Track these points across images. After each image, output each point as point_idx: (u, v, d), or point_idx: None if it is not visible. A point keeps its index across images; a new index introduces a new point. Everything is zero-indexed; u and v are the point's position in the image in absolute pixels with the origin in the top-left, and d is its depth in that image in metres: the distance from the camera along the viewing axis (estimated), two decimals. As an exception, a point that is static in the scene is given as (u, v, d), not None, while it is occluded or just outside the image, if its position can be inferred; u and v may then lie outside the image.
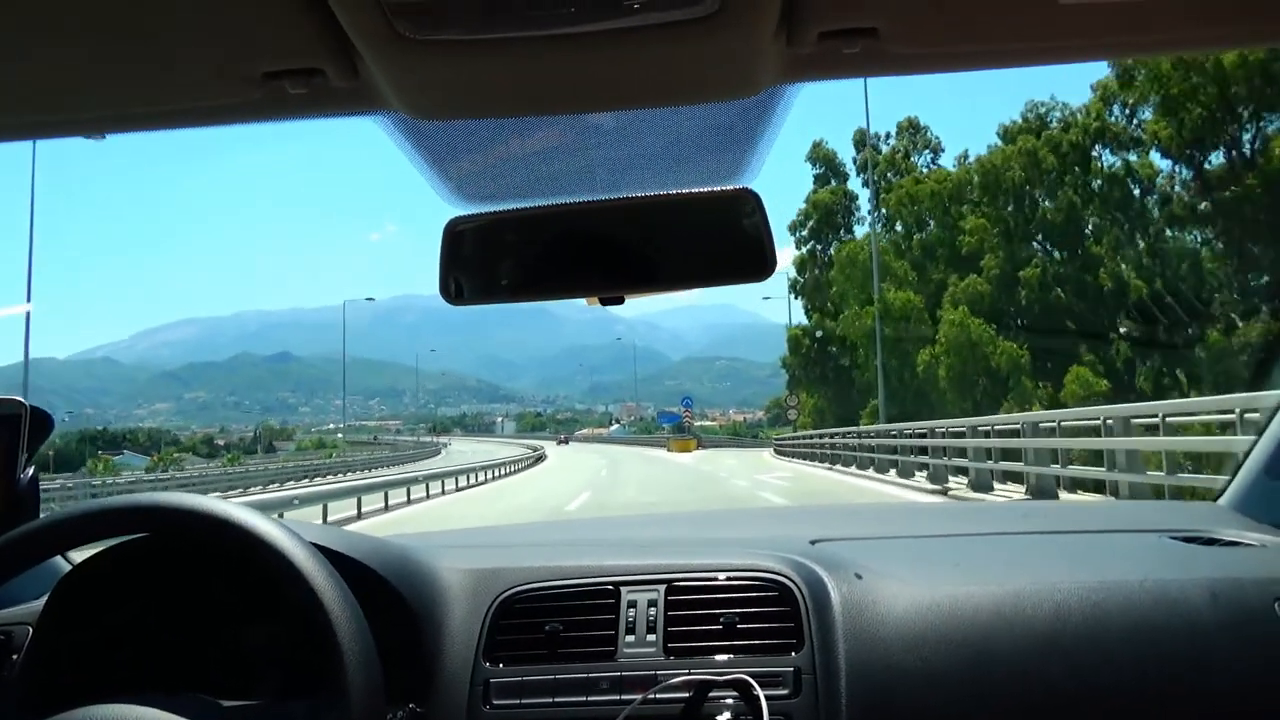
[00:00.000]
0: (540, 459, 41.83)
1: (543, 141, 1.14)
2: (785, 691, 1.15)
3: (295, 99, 0.83)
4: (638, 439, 66.38)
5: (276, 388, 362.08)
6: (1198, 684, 1.16)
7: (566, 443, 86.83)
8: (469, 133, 1.06)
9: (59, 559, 1.37)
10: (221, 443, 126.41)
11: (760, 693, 1.11)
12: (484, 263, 1.26)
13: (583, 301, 1.29)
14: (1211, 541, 1.46)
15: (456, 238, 1.22)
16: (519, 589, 1.27)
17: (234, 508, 0.99)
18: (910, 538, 1.70)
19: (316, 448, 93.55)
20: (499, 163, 1.17)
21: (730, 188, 1.20)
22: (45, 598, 1.20)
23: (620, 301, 1.24)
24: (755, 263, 1.20)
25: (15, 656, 1.20)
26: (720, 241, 1.23)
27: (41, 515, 1.13)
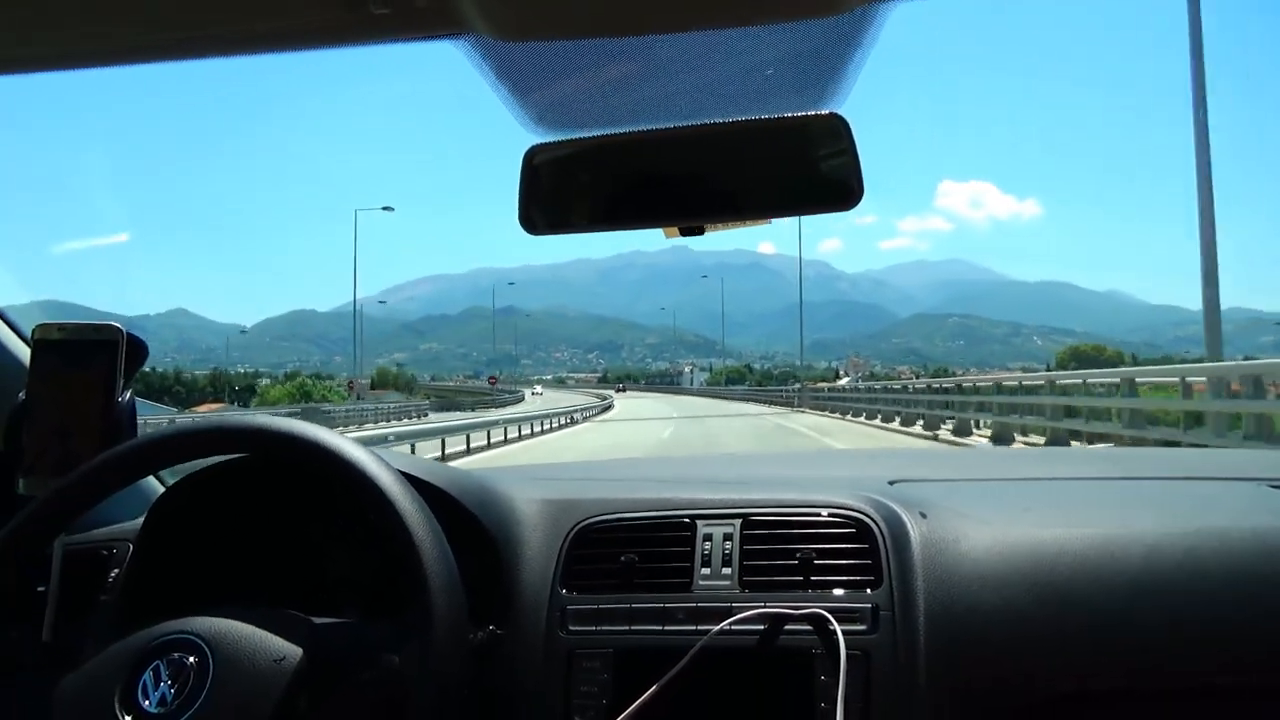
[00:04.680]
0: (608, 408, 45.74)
1: (624, 68, 1.11)
2: (863, 627, 1.13)
3: (378, 20, 0.83)
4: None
5: (502, 339, 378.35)
6: None
7: (624, 390, 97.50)
8: (550, 58, 1.04)
9: (154, 481, 1.49)
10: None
11: (837, 627, 1.10)
12: (564, 192, 1.25)
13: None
14: None
15: (536, 167, 1.21)
16: (595, 520, 1.28)
17: (325, 432, 1.01)
18: (990, 480, 1.64)
19: (296, 396, 72.45)
20: (579, 90, 1.15)
21: (817, 113, 1.15)
22: (144, 516, 1.27)
23: (700, 232, 1.22)
24: (843, 191, 1.16)
25: (117, 571, 1.30)
26: (806, 169, 1.19)
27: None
